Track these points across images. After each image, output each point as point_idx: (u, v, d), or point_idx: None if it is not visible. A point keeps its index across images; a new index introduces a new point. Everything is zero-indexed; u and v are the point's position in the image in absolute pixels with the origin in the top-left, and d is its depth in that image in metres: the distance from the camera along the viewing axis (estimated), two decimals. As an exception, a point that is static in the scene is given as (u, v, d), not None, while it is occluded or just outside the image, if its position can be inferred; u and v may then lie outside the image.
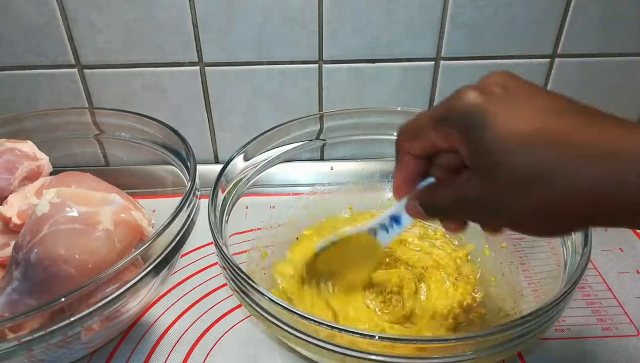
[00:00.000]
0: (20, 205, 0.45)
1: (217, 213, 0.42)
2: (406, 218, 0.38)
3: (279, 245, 0.51)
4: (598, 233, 0.54)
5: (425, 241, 0.52)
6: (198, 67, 0.61)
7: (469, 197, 0.28)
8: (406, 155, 0.33)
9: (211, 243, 0.40)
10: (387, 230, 0.40)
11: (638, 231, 0.55)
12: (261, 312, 0.35)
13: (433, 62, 0.61)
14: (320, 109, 0.65)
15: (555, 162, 0.23)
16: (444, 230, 0.42)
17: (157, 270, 0.39)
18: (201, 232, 0.44)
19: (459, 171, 0.30)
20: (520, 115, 0.25)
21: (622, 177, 0.22)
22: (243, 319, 0.46)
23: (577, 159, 0.23)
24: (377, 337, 0.30)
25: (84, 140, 0.58)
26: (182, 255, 0.52)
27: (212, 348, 0.44)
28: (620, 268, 0.51)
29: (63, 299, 0.33)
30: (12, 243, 0.41)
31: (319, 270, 0.45)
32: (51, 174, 0.51)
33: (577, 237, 0.39)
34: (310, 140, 0.54)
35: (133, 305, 0.41)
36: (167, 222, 0.39)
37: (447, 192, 0.30)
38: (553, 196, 0.24)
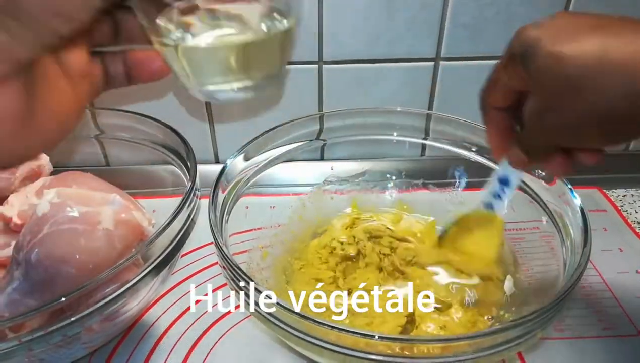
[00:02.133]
0: (21, 205, 0.45)
1: (217, 213, 0.42)
2: (514, 175, 0.39)
3: (279, 245, 0.51)
4: (598, 234, 0.54)
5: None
6: (198, 67, 0.61)
7: (538, 119, 0.30)
8: (492, 110, 0.34)
9: (211, 243, 0.40)
10: (499, 196, 0.40)
11: (637, 230, 0.55)
12: (261, 312, 0.35)
13: (433, 62, 0.61)
14: (320, 109, 0.65)
15: (596, 66, 0.26)
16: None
17: (157, 270, 0.39)
18: (201, 232, 0.44)
19: None
20: (562, 34, 0.27)
21: None
22: (243, 319, 0.46)
23: (616, 60, 0.25)
24: (377, 337, 0.30)
25: (84, 140, 0.58)
26: (182, 255, 0.52)
27: (212, 348, 0.44)
28: (620, 268, 0.51)
29: (63, 299, 0.33)
30: (13, 243, 0.41)
31: (445, 253, 0.45)
32: (51, 174, 0.51)
33: (577, 237, 0.39)
34: (310, 140, 0.54)
35: (133, 305, 0.42)
36: (167, 222, 0.39)
37: (530, 124, 0.32)
38: (601, 96, 0.26)
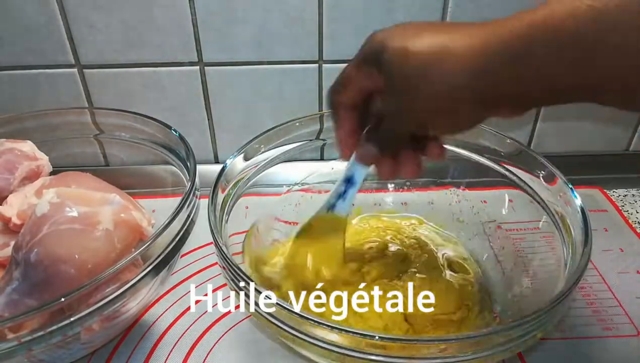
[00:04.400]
0: (20, 205, 0.45)
1: (217, 213, 0.42)
2: (358, 172, 0.40)
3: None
4: (598, 234, 0.54)
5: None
6: (198, 67, 0.61)
7: (390, 109, 0.33)
8: (342, 109, 0.37)
9: (211, 243, 0.40)
10: (343, 197, 0.42)
11: (637, 230, 0.55)
12: (261, 312, 0.35)
13: (433, 62, 0.61)
14: (320, 109, 0.65)
15: (435, 57, 0.29)
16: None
17: (157, 270, 0.39)
18: (201, 232, 0.44)
19: None
20: (407, 33, 0.31)
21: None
22: (243, 319, 0.46)
23: (451, 52, 0.29)
24: (377, 337, 0.30)
25: (84, 140, 0.58)
26: (182, 255, 0.52)
27: (212, 348, 0.44)
28: (620, 268, 0.51)
29: (63, 299, 0.33)
30: (12, 243, 0.41)
31: (298, 264, 0.45)
32: (51, 174, 0.51)
33: (577, 237, 0.39)
34: (310, 140, 0.54)
35: (133, 305, 0.41)
36: (167, 222, 0.39)
37: (382, 115, 0.35)
38: (440, 82, 0.29)
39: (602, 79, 0.26)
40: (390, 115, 0.34)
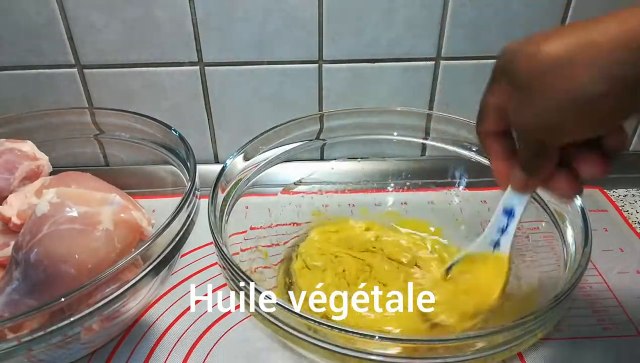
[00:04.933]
0: (20, 205, 0.45)
1: (217, 213, 0.42)
2: (518, 202, 0.37)
3: (279, 245, 0.51)
4: (598, 234, 0.54)
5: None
6: (198, 67, 0.61)
7: (526, 121, 0.30)
8: (489, 138, 0.34)
9: (211, 243, 0.40)
10: (505, 230, 0.39)
11: (637, 230, 0.55)
12: (261, 312, 0.35)
13: (433, 62, 0.61)
14: (320, 109, 0.65)
15: (568, 56, 0.27)
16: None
17: (157, 270, 0.39)
18: (201, 232, 0.44)
19: None
20: (535, 38, 0.29)
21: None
22: (243, 319, 0.46)
23: (586, 49, 0.27)
24: (377, 337, 0.30)
25: (84, 140, 0.58)
26: (182, 255, 0.52)
27: (212, 348, 0.44)
28: (620, 268, 0.51)
29: (63, 299, 0.33)
30: (12, 243, 0.41)
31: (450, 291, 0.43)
32: (51, 173, 0.51)
33: (577, 237, 0.39)
34: (310, 140, 0.54)
35: (133, 305, 0.41)
36: (167, 222, 0.39)
37: (518, 129, 0.32)
38: (575, 82, 0.27)
39: None
40: (528, 128, 0.31)
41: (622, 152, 0.31)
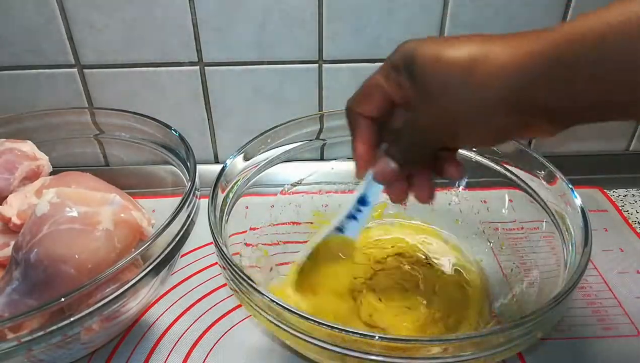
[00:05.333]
0: (20, 205, 0.45)
1: (217, 213, 0.42)
2: (373, 192, 0.38)
3: (279, 245, 0.51)
4: (598, 234, 0.54)
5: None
6: (198, 67, 0.61)
7: (419, 119, 0.32)
8: (362, 120, 0.35)
9: (211, 243, 0.40)
10: (355, 218, 0.40)
11: (637, 230, 0.55)
12: (261, 312, 0.35)
13: (433, 62, 0.61)
14: (320, 109, 0.65)
15: (470, 66, 0.28)
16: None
17: (157, 270, 0.39)
18: (201, 232, 0.43)
19: None
20: (440, 42, 0.30)
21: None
22: (243, 319, 0.46)
23: (490, 62, 0.28)
24: (377, 337, 0.30)
25: (84, 140, 0.58)
26: (182, 255, 0.52)
27: (212, 348, 0.44)
28: (620, 268, 0.51)
29: (63, 299, 0.33)
30: (12, 243, 0.41)
31: (305, 288, 0.43)
32: (51, 173, 0.51)
33: (577, 237, 0.39)
34: (310, 140, 0.54)
35: (133, 305, 0.41)
36: (167, 222, 0.39)
37: (407, 125, 0.33)
38: (473, 93, 0.28)
39: None
40: (417, 126, 0.32)
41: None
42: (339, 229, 0.41)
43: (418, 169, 0.36)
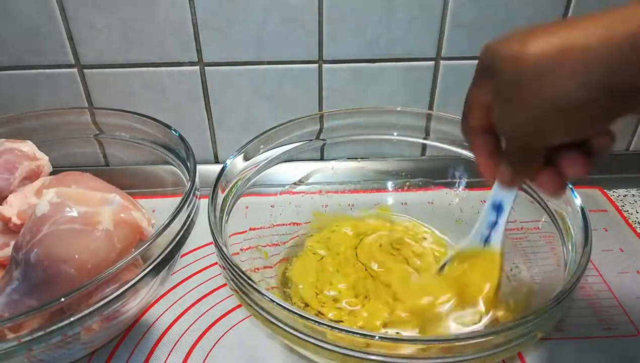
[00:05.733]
0: (20, 205, 0.45)
1: (217, 213, 0.42)
2: (506, 197, 0.37)
3: (278, 245, 0.51)
4: (598, 234, 0.54)
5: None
6: (198, 67, 0.61)
7: (508, 122, 0.30)
8: (475, 133, 0.34)
9: (211, 243, 0.40)
10: (495, 224, 0.39)
11: (637, 230, 0.55)
12: (261, 312, 0.35)
13: (433, 62, 0.61)
14: (320, 109, 0.65)
15: (550, 60, 0.27)
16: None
17: (157, 270, 0.39)
18: (201, 232, 0.44)
19: None
20: (517, 39, 0.28)
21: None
22: (243, 319, 0.46)
23: (570, 53, 0.26)
24: (377, 337, 0.30)
25: (84, 140, 0.58)
26: (182, 255, 0.52)
27: (212, 348, 0.44)
28: (621, 268, 0.51)
29: (63, 299, 0.33)
30: (12, 243, 0.41)
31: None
32: (51, 173, 0.51)
33: (577, 237, 0.39)
34: (310, 140, 0.54)
35: (133, 305, 0.41)
36: (167, 222, 0.39)
37: (502, 131, 0.32)
38: (558, 87, 0.27)
39: None
40: (510, 130, 0.31)
41: (609, 151, 0.32)
42: (486, 239, 0.40)
43: (538, 168, 0.33)
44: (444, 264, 0.43)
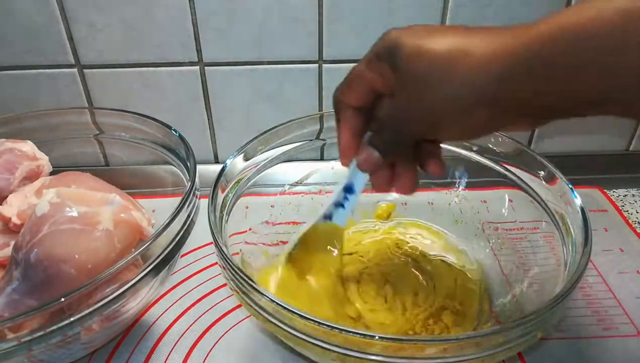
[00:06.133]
0: (20, 205, 0.45)
1: (217, 213, 0.42)
2: (359, 180, 0.39)
3: (278, 245, 0.51)
4: (598, 234, 0.54)
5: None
6: (198, 67, 0.61)
7: (400, 110, 0.32)
8: (347, 109, 0.36)
9: (211, 243, 0.40)
10: (342, 206, 0.40)
11: (637, 230, 0.55)
12: (261, 312, 0.35)
13: (433, 62, 0.61)
14: (320, 109, 0.65)
15: (449, 59, 0.28)
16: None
17: (157, 270, 0.39)
18: (201, 232, 0.43)
19: None
20: (422, 33, 0.30)
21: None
22: (243, 319, 0.46)
23: (468, 54, 0.28)
24: (377, 337, 0.30)
25: (84, 140, 0.58)
26: (182, 255, 0.52)
27: (212, 348, 0.44)
28: (620, 268, 0.51)
29: (63, 299, 0.33)
30: (12, 243, 0.41)
31: (295, 275, 0.43)
32: (51, 173, 0.51)
33: (577, 237, 0.39)
34: (310, 140, 0.54)
35: (133, 305, 0.41)
36: (167, 222, 0.39)
37: (388, 116, 0.33)
38: (453, 86, 0.28)
39: (627, 88, 0.24)
40: (398, 116, 0.32)
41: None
42: (327, 217, 0.42)
43: (401, 160, 0.36)
44: (291, 253, 0.43)
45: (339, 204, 0.41)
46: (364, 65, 0.33)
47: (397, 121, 0.33)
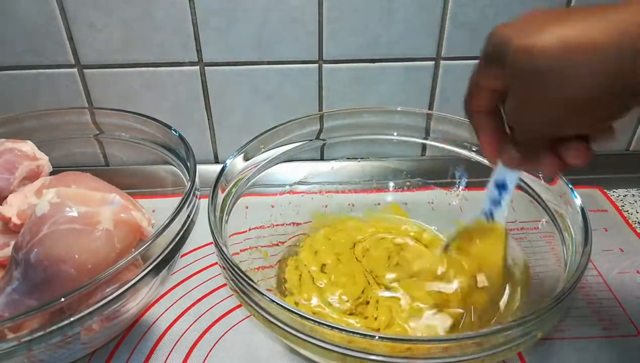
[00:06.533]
0: (20, 205, 0.45)
1: (217, 213, 0.42)
2: (509, 176, 0.38)
3: (278, 245, 0.51)
4: (598, 234, 0.54)
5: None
6: (198, 67, 0.61)
7: (519, 113, 0.31)
8: (478, 116, 0.35)
9: (211, 243, 0.40)
10: (498, 202, 0.40)
11: (637, 230, 0.55)
12: (261, 312, 0.35)
13: (433, 62, 0.61)
14: (320, 109, 0.65)
15: (562, 53, 0.26)
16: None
17: (157, 270, 0.39)
18: (201, 232, 0.43)
19: None
20: (529, 28, 0.28)
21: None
22: (243, 319, 0.46)
23: (579, 44, 0.26)
24: (377, 337, 0.30)
25: (84, 140, 0.58)
26: (182, 255, 0.52)
27: (212, 348, 0.44)
28: (621, 268, 0.51)
29: (63, 299, 0.33)
30: (12, 243, 0.41)
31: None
32: (51, 173, 0.51)
33: (577, 237, 0.39)
34: (310, 140, 0.54)
35: (133, 305, 0.41)
36: (167, 222, 0.39)
37: (511, 120, 0.33)
38: (570, 80, 0.26)
39: None
40: (518, 118, 0.31)
41: (611, 143, 0.32)
42: (489, 215, 0.41)
43: (543, 152, 0.33)
44: (449, 243, 0.45)
45: (495, 201, 0.40)
46: (478, 70, 0.33)
47: (520, 122, 0.32)
